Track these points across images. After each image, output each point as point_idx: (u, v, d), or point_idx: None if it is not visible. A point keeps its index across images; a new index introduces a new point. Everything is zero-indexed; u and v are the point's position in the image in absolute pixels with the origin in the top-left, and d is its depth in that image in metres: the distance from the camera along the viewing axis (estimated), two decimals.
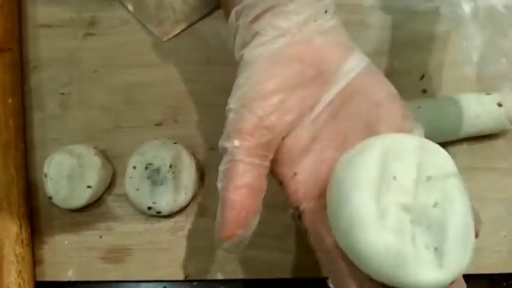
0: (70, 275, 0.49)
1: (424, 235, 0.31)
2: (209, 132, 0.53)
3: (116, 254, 0.50)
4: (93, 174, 0.50)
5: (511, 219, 0.50)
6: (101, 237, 0.50)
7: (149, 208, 0.49)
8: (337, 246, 0.33)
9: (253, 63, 0.37)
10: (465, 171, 0.51)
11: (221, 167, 0.36)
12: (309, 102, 0.36)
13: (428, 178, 0.32)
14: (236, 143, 0.35)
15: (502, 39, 0.55)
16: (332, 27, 0.38)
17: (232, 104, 0.36)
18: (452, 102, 0.50)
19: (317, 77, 0.37)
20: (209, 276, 0.49)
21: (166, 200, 0.49)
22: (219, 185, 0.35)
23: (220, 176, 0.36)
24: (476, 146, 0.52)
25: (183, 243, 0.50)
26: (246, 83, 0.36)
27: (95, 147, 0.52)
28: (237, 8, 0.37)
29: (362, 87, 0.37)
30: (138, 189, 0.49)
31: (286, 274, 0.49)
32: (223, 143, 0.36)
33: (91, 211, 0.51)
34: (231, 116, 0.36)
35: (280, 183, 0.38)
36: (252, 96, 0.36)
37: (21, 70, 0.56)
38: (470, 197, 0.51)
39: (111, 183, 0.52)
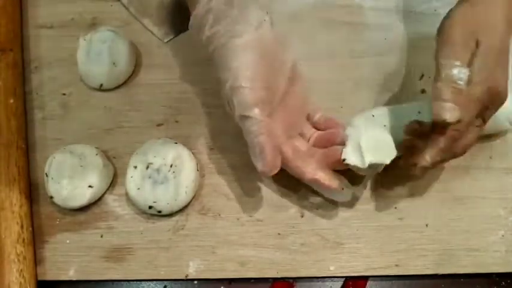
0: (71, 274, 0.50)
1: None
2: (209, 132, 0.53)
3: (117, 253, 0.50)
4: (94, 174, 0.50)
5: (510, 218, 0.50)
6: (102, 236, 0.51)
7: (150, 207, 0.49)
8: None
9: None
10: (464, 170, 0.52)
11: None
12: None
13: None
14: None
15: None
16: None
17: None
18: None
19: None
20: (209, 276, 0.49)
21: (167, 200, 0.49)
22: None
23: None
24: (475, 146, 0.52)
25: (183, 243, 0.50)
26: None
27: (96, 147, 0.52)
28: None
29: None
30: (139, 189, 0.49)
31: (286, 274, 0.49)
32: None
33: (92, 210, 0.51)
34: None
35: None
36: None
37: (22, 71, 0.57)
38: (469, 196, 0.52)
39: (112, 183, 0.52)
